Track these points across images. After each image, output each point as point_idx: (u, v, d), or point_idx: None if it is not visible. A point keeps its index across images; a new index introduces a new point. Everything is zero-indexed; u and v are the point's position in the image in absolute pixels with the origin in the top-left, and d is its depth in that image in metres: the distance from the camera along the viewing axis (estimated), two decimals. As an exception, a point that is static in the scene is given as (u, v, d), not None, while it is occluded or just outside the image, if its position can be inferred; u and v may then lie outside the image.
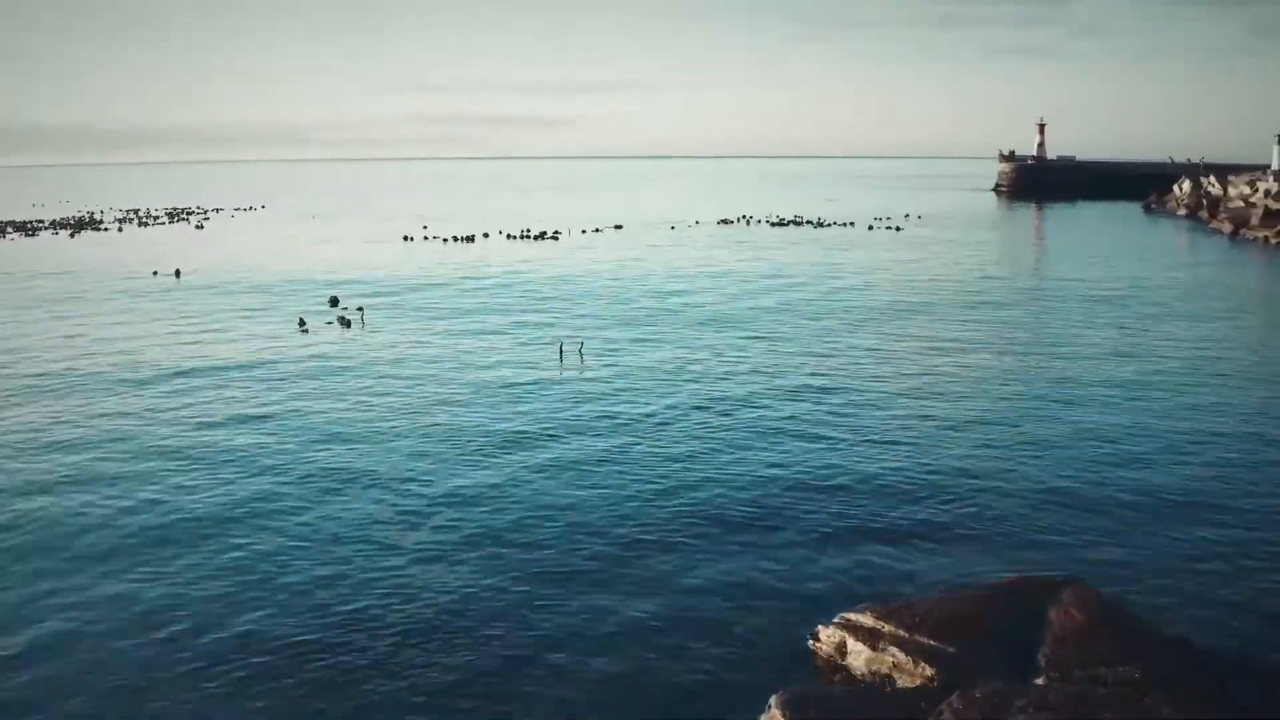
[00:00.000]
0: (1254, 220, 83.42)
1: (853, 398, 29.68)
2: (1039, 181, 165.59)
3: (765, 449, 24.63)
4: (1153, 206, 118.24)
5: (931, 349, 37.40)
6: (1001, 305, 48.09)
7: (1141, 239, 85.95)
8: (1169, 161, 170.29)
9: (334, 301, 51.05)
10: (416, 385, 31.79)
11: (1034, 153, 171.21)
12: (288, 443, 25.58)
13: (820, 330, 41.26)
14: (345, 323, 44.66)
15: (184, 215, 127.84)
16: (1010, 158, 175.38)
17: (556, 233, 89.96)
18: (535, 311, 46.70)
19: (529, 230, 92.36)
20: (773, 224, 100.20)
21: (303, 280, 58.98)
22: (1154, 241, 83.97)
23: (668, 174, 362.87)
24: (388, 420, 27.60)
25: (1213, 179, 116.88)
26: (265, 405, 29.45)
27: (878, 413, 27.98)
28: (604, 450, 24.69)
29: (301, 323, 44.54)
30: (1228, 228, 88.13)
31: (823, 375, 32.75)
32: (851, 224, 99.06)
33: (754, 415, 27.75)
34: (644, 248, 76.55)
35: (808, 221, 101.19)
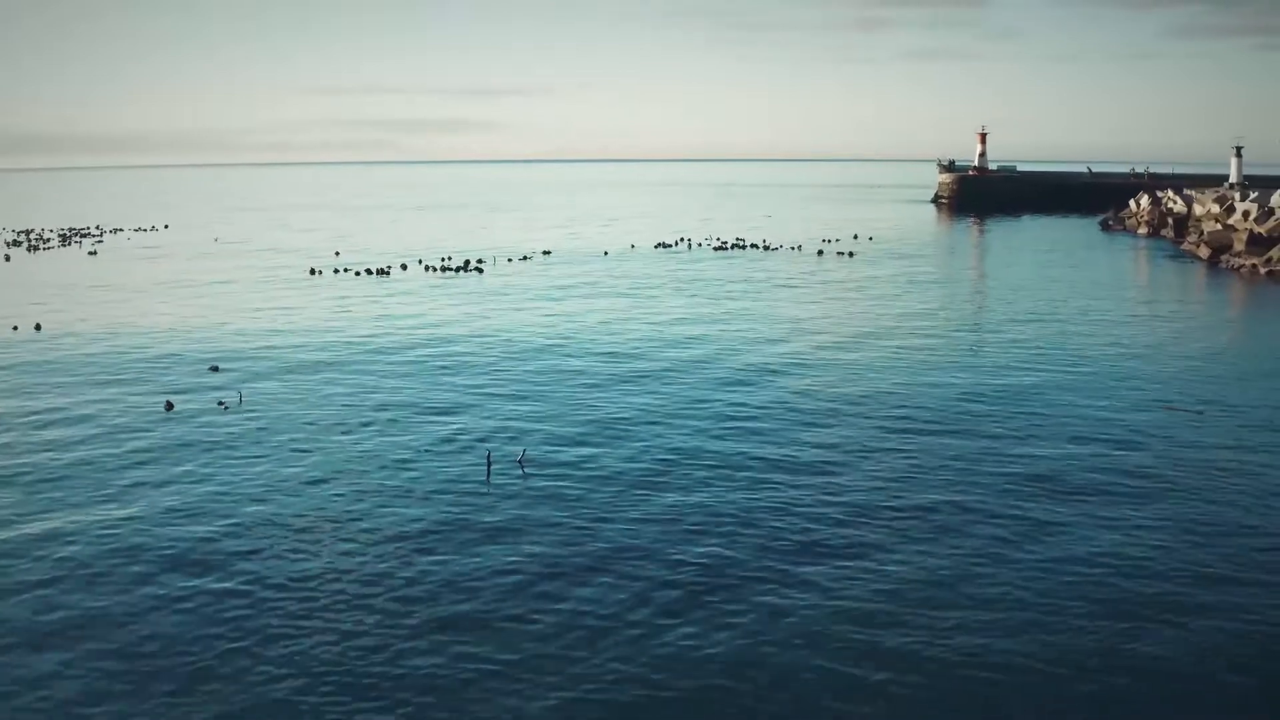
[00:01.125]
0: (1237, 246, 77.63)
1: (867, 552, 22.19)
2: (981, 194, 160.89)
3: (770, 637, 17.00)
4: (1110, 224, 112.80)
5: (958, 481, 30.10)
6: (1020, 392, 41.13)
7: (1112, 269, 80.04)
8: (1087, 172, 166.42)
9: (215, 369, 42.91)
10: (297, 513, 23.69)
11: (975, 163, 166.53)
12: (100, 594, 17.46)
13: (818, 444, 33.84)
14: (223, 405, 36.58)
15: (79, 237, 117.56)
16: (950, 168, 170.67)
17: (480, 263, 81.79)
18: (457, 395, 38.70)
19: (449, 261, 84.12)
20: (716, 248, 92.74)
21: (186, 336, 50.35)
22: (1128, 273, 78.04)
23: (597, 182, 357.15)
24: (245, 572, 19.55)
25: (1171, 194, 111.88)
26: (89, 552, 21.20)
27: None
28: (552, 632, 16.90)
29: (169, 406, 36.32)
30: (1205, 252, 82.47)
31: (835, 515, 25.28)
32: (799, 247, 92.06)
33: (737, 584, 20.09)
34: (580, 288, 68.74)
35: (752, 245, 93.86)
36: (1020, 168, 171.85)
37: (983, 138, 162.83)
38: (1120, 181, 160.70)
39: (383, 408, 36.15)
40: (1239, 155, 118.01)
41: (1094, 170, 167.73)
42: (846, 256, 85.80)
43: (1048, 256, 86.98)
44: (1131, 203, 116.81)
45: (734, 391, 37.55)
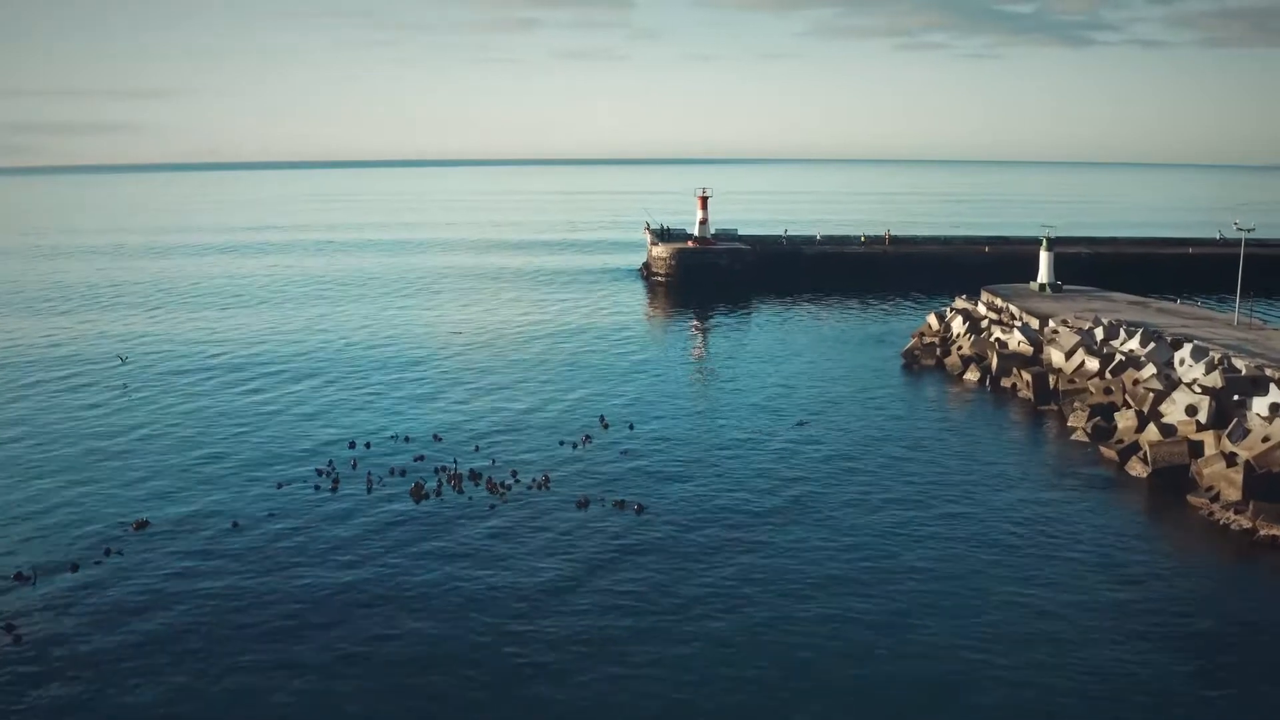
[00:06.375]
0: (1223, 489, 51.88)
1: None
2: (703, 270, 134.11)
3: None
4: (917, 354, 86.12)
5: None
6: None
7: (1017, 534, 53.62)
8: (783, 235, 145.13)
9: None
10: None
11: (694, 232, 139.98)
12: None
13: None
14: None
15: None
16: (664, 236, 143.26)
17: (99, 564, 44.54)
18: None
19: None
20: (453, 484, 58.49)
21: None
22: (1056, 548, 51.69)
23: (236, 224, 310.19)
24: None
25: (990, 311, 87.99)
26: None
27: None
28: None
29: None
30: (1139, 470, 57.09)
31: None
32: (544, 481, 58.66)
33: None
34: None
35: (489, 476, 59.79)
36: (746, 233, 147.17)
37: (704, 202, 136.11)
38: (859, 250, 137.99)
39: None
40: (1050, 248, 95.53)
41: (784, 233, 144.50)
42: (634, 512, 54.40)
43: (868, 456, 59.67)
44: (932, 319, 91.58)
45: None
